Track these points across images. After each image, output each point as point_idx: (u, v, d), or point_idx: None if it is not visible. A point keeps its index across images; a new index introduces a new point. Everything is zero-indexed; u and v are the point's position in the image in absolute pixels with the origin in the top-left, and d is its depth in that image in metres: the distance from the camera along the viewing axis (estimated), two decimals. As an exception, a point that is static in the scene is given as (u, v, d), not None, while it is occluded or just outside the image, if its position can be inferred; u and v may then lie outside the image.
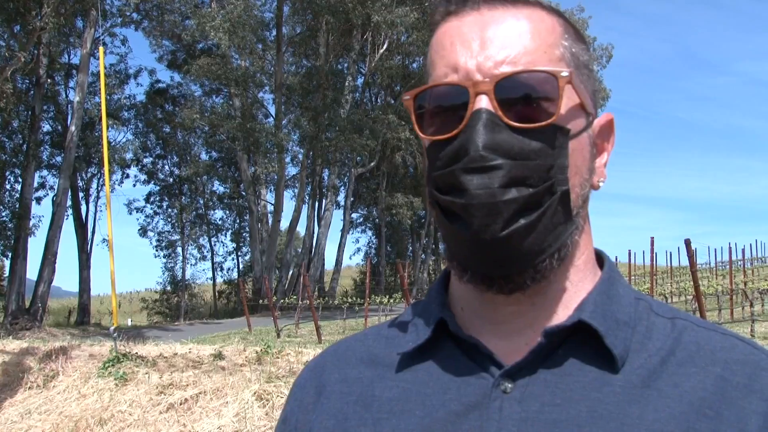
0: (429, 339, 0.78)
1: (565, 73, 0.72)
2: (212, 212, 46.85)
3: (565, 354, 0.73)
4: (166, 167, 44.57)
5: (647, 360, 0.72)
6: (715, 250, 49.51)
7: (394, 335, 0.84)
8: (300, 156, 39.48)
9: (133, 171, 42.89)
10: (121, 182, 41.07)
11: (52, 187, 35.51)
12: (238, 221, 47.09)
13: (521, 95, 0.73)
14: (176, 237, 45.17)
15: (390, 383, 0.78)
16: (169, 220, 45.16)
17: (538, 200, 0.71)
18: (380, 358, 0.82)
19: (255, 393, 5.68)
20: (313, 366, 0.91)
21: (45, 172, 36.33)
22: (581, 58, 0.78)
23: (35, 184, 32.34)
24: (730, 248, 24.85)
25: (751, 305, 14.27)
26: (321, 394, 0.84)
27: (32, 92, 30.41)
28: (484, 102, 0.72)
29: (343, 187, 43.12)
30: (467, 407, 0.72)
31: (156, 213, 44.71)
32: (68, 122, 30.76)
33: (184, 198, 44.68)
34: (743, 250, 33.96)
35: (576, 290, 0.77)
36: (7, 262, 32.68)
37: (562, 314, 0.75)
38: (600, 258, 0.83)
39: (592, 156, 0.78)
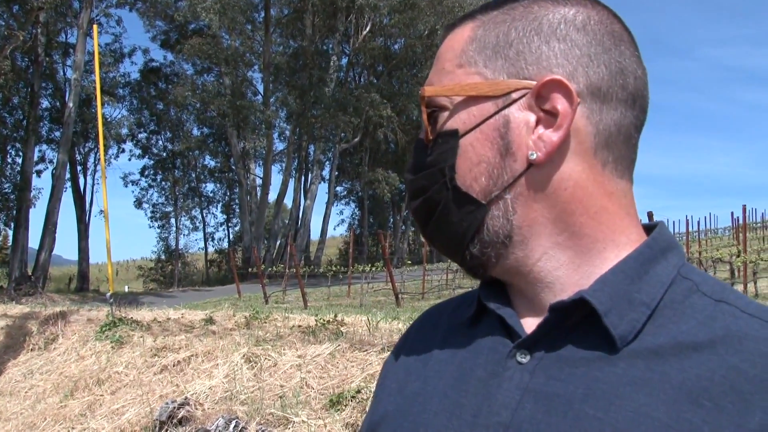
0: (476, 309, 0.80)
1: (427, 89, 0.77)
2: (204, 185, 46.62)
3: (579, 330, 0.70)
4: (160, 142, 44.18)
5: (662, 343, 0.66)
6: (674, 222, 50.16)
7: (462, 302, 0.88)
8: (287, 132, 39.28)
9: (128, 146, 42.53)
10: (117, 156, 40.82)
11: (51, 161, 35.20)
12: (228, 194, 46.89)
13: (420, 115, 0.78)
14: (170, 209, 44.96)
15: (445, 346, 0.82)
16: (163, 192, 44.92)
17: (435, 200, 0.76)
18: (447, 324, 0.86)
19: (244, 355, 5.70)
20: (413, 324, 0.96)
21: (45, 147, 35.96)
22: (500, 41, 0.75)
23: (35, 158, 31.96)
24: (687, 221, 25.19)
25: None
26: (405, 346, 0.90)
27: (31, 70, 29.90)
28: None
29: (328, 162, 42.97)
30: (489, 374, 0.73)
31: (150, 186, 44.44)
32: (66, 99, 30.32)
33: (177, 172, 44.35)
34: (698, 223, 34.55)
35: (578, 264, 0.73)
36: (10, 232, 32.45)
37: (574, 290, 0.72)
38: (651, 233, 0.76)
39: (505, 138, 0.73)
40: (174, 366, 6.02)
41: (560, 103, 0.71)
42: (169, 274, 43.98)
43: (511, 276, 0.76)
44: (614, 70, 0.73)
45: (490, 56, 0.75)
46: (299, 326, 6.57)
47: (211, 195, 47.32)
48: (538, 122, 0.72)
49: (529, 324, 0.73)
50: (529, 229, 0.73)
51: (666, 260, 0.72)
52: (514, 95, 0.73)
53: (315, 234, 45.17)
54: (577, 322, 0.70)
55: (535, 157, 0.71)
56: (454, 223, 0.76)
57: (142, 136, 42.70)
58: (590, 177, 0.72)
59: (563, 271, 0.73)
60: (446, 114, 0.76)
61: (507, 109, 0.73)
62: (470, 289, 0.85)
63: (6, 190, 31.74)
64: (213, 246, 47.89)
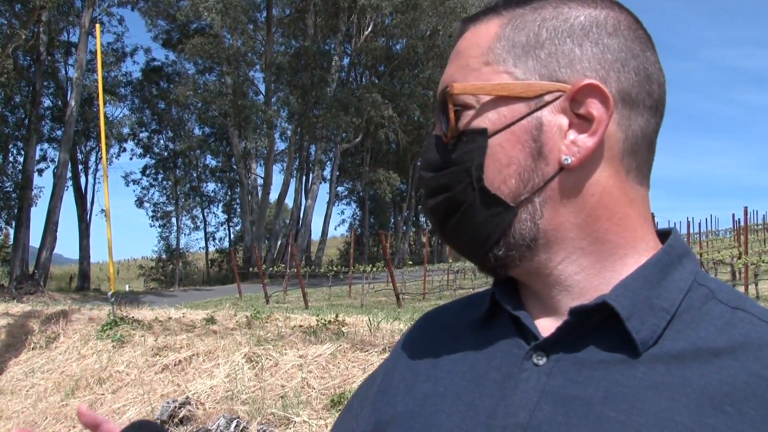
0: (488, 309, 0.80)
1: (456, 86, 0.74)
2: (205, 185, 46.64)
3: (598, 334, 0.70)
4: (161, 142, 44.21)
5: (682, 348, 0.67)
6: (675, 223, 50.07)
7: (469, 303, 0.87)
8: (288, 132, 39.30)
9: (129, 145, 42.63)
10: (119, 156, 40.95)
11: (53, 160, 35.22)
12: (229, 193, 46.89)
13: (440, 110, 0.76)
14: (171, 208, 44.97)
15: (455, 347, 0.81)
16: (164, 191, 44.93)
17: (460, 200, 0.74)
18: (456, 324, 0.85)
19: (245, 355, 5.71)
20: (415, 324, 0.94)
21: (46, 145, 36.03)
22: (530, 40, 0.74)
23: (37, 157, 32.04)
24: (688, 222, 25.19)
25: (707, 275, 14.44)
26: (408, 347, 0.88)
27: (33, 69, 29.97)
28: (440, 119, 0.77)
29: (329, 162, 43.00)
30: (504, 375, 0.72)
31: (152, 185, 44.45)
32: (68, 98, 30.37)
33: (178, 171, 44.37)
34: (699, 224, 34.59)
35: (599, 269, 0.73)
36: (11, 231, 32.47)
37: (592, 295, 0.72)
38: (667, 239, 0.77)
39: (538, 140, 0.72)
40: (175, 365, 6.03)
41: (596, 108, 0.71)
42: (170, 274, 43.97)
43: (529, 278, 0.76)
44: (642, 77, 0.73)
45: (519, 55, 0.73)
46: (300, 326, 6.57)
47: (212, 194, 47.38)
48: (570, 126, 0.72)
49: (543, 326, 0.73)
50: (555, 233, 0.73)
51: (682, 266, 0.73)
52: (547, 98, 0.72)
53: (316, 234, 45.25)
54: (593, 327, 0.70)
55: (569, 161, 0.71)
56: (479, 224, 0.74)
57: (143, 135, 42.76)
58: (616, 183, 0.73)
59: (583, 275, 0.73)
60: (471, 112, 0.74)
61: (540, 111, 0.72)
62: (472, 290, 0.85)
63: (7, 189, 31.73)
64: (214, 245, 47.97)
